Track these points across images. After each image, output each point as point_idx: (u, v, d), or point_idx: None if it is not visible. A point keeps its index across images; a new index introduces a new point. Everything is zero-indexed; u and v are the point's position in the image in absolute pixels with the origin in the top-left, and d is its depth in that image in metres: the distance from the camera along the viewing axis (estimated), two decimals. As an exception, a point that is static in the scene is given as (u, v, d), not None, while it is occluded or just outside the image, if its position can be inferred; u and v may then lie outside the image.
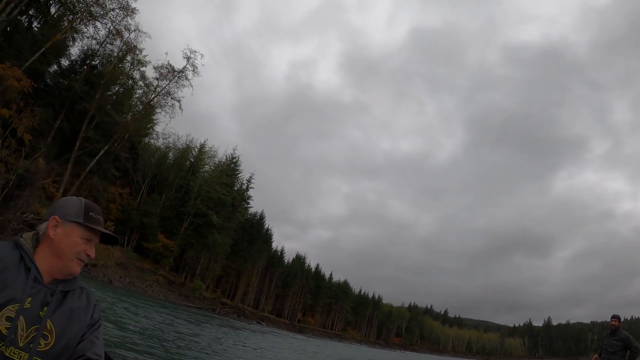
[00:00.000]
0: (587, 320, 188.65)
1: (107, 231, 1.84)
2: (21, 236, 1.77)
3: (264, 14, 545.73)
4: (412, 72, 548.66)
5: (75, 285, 1.83)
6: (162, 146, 58.64)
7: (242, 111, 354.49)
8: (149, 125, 49.75)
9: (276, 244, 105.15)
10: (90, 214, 1.81)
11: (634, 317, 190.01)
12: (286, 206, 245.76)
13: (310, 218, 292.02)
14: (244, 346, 15.31)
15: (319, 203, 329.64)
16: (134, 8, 37.49)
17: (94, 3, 35.27)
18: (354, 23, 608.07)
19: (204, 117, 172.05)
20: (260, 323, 68.36)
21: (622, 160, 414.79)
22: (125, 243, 46.57)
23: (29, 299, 1.63)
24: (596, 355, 8.60)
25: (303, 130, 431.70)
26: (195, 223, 56.17)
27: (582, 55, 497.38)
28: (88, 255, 1.81)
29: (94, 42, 38.74)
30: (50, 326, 1.65)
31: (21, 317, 1.59)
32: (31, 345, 1.59)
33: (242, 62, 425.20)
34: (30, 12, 32.95)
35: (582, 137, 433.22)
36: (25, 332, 1.59)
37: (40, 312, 1.64)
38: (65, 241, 1.74)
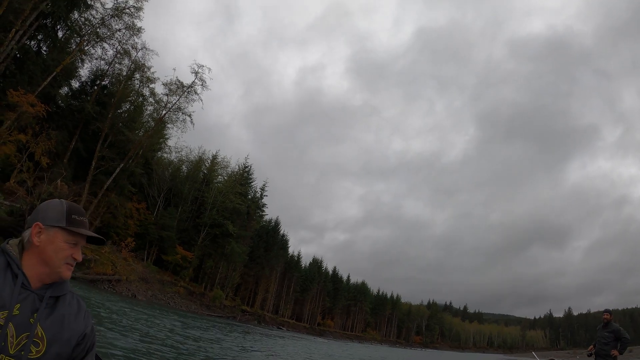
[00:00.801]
0: (609, 308, 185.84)
1: (91, 234, 1.82)
2: (7, 242, 1.76)
3: (268, 22, 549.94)
4: (420, 72, 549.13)
5: (65, 290, 1.80)
6: (175, 159, 59.25)
7: (253, 119, 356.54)
8: (161, 140, 50.26)
9: (292, 249, 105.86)
10: (73, 216, 1.78)
11: None
12: (302, 211, 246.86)
13: (326, 222, 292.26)
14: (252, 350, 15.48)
15: (334, 206, 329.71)
16: (140, 27, 38.21)
17: (101, 25, 36.02)
18: (360, 27, 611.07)
19: (215, 127, 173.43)
20: (280, 328, 68.57)
21: (634, 145, 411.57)
22: (145, 257, 47.18)
23: (18, 305, 1.62)
24: (591, 346, 8.97)
25: (315, 135, 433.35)
26: (212, 233, 56.67)
27: (588, 44, 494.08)
28: (75, 259, 1.77)
29: (102, 62, 39.48)
30: (41, 333, 1.64)
31: (10, 324, 1.58)
32: (22, 353, 1.58)
33: (249, 71, 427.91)
34: (39, 37, 33.62)
35: (592, 126, 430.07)
36: (16, 339, 1.58)
37: (30, 319, 1.63)
38: (50, 247, 1.72)
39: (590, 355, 9.08)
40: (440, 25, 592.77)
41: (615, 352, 8.20)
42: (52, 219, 1.75)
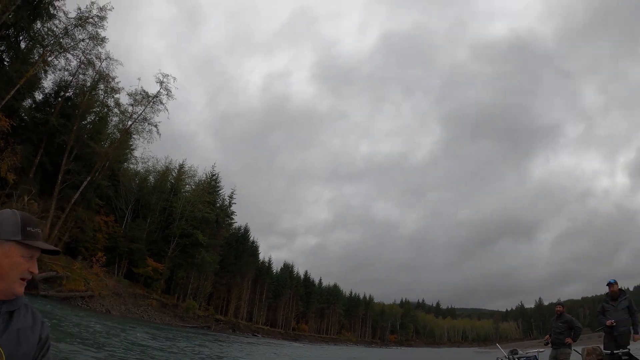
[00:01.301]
0: (578, 297, 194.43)
1: (48, 247, 1.81)
2: None
3: (233, 27, 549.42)
4: (386, 76, 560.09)
5: (20, 303, 1.75)
6: (142, 170, 59.03)
7: (220, 127, 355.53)
8: (127, 151, 50.19)
9: (263, 255, 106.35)
10: (28, 228, 1.75)
11: (623, 288, 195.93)
12: (271, 217, 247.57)
13: (297, 227, 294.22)
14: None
15: (304, 211, 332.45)
16: (104, 37, 38.17)
17: (64, 35, 36.00)
18: (325, 32, 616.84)
19: (182, 136, 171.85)
20: (255, 335, 69.02)
21: (596, 141, 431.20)
22: (116, 271, 47.09)
23: None
24: (547, 335, 10.00)
25: (283, 141, 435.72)
26: (181, 244, 56.77)
27: (550, 46, 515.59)
28: (31, 272, 1.76)
29: (66, 73, 39.10)
30: None
31: None
32: None
33: (215, 78, 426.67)
34: (1, 48, 33.39)
35: (555, 123, 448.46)
36: None
37: None
38: (5, 262, 1.68)
39: (547, 344, 10.06)
40: (405, 29, 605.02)
41: (569, 340, 9.25)
42: (7, 232, 1.72)
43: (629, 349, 7.57)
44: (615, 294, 8.52)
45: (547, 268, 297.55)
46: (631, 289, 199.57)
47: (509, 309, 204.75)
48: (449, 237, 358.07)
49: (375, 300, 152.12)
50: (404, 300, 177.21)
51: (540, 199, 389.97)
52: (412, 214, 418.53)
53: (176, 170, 63.80)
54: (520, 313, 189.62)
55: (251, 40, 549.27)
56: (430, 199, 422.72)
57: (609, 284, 8.67)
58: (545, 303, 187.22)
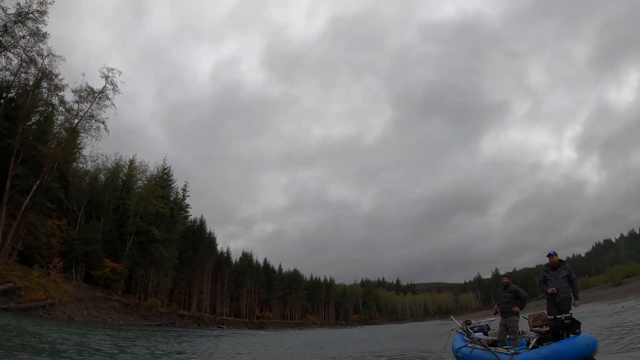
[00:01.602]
0: (532, 265, 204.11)
1: None
2: None
3: (179, 16, 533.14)
4: (336, 59, 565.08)
5: None
6: (92, 169, 57.25)
7: (171, 118, 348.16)
8: (75, 151, 48.90)
9: (221, 246, 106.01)
10: None
11: (575, 255, 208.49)
12: (228, 207, 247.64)
13: (253, 214, 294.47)
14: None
15: (260, 198, 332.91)
16: (45, 33, 36.79)
17: (3, 32, 34.67)
18: (274, 18, 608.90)
19: (131, 131, 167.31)
20: (220, 327, 69.38)
21: (542, 117, 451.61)
22: (74, 275, 46.16)
23: None
24: (496, 305, 11.09)
25: (235, 129, 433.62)
26: (138, 241, 56.08)
27: (497, 27, 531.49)
28: None
29: (7, 73, 37.66)
30: None
31: None
32: None
33: (163, 68, 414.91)
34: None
35: (503, 101, 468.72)
36: None
37: None
38: None
39: (495, 313, 11.08)
40: (354, 12, 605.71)
41: (516, 309, 10.23)
42: None
43: (571, 314, 8.39)
44: (555, 264, 9.33)
45: (501, 239, 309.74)
46: (583, 254, 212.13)
47: (467, 281, 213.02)
48: (405, 215, 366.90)
49: (336, 282, 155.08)
50: (364, 279, 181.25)
51: (491, 174, 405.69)
52: (367, 194, 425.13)
53: (127, 167, 62.61)
54: (478, 284, 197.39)
55: (199, 28, 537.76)
56: (384, 179, 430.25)
57: (549, 255, 9.52)
58: (502, 273, 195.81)
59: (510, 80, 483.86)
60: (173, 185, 69.13)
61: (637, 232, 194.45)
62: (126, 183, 60.52)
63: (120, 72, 45.67)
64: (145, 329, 39.02)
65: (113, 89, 45.16)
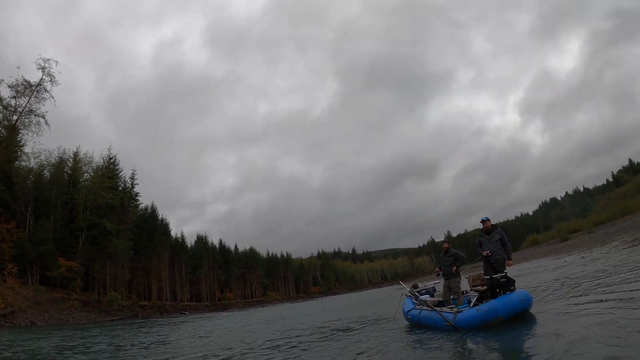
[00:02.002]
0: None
1: None
2: None
3: None
4: (280, 35, 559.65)
5: None
6: (35, 166, 55.41)
7: (114, 105, 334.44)
8: (16, 149, 47.36)
9: (175, 231, 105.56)
10: None
11: (523, 213, 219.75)
12: (179, 191, 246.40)
13: (205, 196, 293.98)
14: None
15: (210, 180, 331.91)
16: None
17: None
18: None
19: (74, 122, 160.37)
20: (183, 313, 69.67)
21: (486, 84, 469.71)
22: (30, 279, 45.21)
23: None
24: (437, 268, 12.36)
25: (181, 112, 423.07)
26: (90, 236, 55.29)
27: None
28: None
29: None
30: None
31: None
32: None
33: (102, 54, 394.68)
34: None
35: (448, 70, 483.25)
36: None
37: None
38: None
39: (438, 275, 12.37)
40: None
41: (455, 268, 11.54)
42: None
43: (506, 273, 9.56)
44: (488, 229, 10.42)
45: (452, 203, 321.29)
46: (530, 213, 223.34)
47: (421, 245, 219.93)
48: (356, 185, 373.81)
49: (293, 257, 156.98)
50: (320, 252, 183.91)
51: (438, 140, 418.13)
52: (318, 167, 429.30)
53: (71, 160, 60.89)
54: (431, 247, 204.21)
55: (137, 9, 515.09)
56: (334, 151, 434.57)
57: (483, 221, 10.65)
58: (454, 235, 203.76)
59: (454, 50, 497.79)
60: (120, 174, 68.21)
61: (581, 190, 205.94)
62: (72, 177, 58.93)
63: (57, 62, 44.63)
64: (108, 324, 38.97)
65: (51, 81, 44.22)
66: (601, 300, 8.30)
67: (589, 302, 8.41)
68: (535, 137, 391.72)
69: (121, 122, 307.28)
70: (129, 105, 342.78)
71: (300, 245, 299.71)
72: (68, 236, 53.99)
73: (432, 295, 12.78)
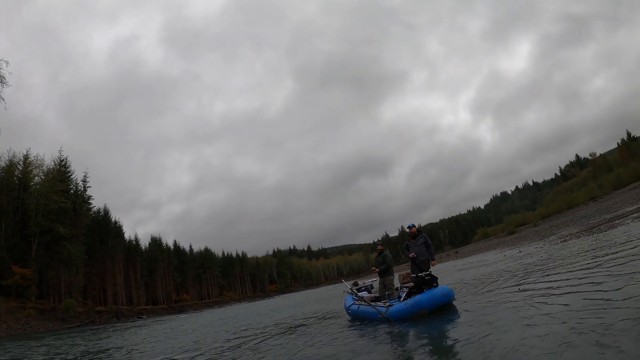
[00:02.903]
0: (436, 220, 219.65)
1: None
2: None
3: None
4: (237, 34, 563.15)
5: None
6: (-17, 170, 54.00)
7: (67, 105, 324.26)
8: (-37, 154, 45.91)
9: (129, 233, 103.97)
10: None
11: (475, 207, 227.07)
12: (133, 192, 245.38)
13: (160, 197, 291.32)
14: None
15: (165, 180, 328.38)
16: None
17: None
18: None
19: (25, 123, 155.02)
20: (140, 317, 68.86)
21: (439, 85, 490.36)
22: (-17, 289, 44.04)
23: None
24: (374, 268, 13.55)
25: (136, 111, 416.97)
26: (43, 242, 54.28)
27: (396, 1, 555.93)
28: None
29: None
30: None
31: None
32: None
33: (56, 51, 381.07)
34: None
35: (402, 71, 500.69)
36: None
37: None
38: None
39: (374, 269, 13.66)
40: None
41: (376, 270, 12.93)
42: None
43: (430, 271, 10.87)
44: (414, 234, 11.69)
45: (405, 198, 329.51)
46: (482, 207, 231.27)
47: (375, 240, 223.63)
48: (311, 183, 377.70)
49: (249, 255, 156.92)
50: (276, 250, 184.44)
51: (392, 138, 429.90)
52: (273, 165, 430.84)
53: (22, 163, 59.33)
54: (386, 242, 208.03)
55: (93, 5, 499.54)
56: (289, 149, 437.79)
57: (409, 227, 11.95)
58: (408, 230, 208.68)
59: (409, 51, 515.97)
60: (72, 177, 66.85)
61: (531, 184, 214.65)
62: (22, 181, 57.51)
63: (7, 63, 43.41)
64: (64, 332, 38.41)
65: (0, 82, 42.88)
66: (518, 291, 9.63)
67: (508, 294, 9.70)
68: (486, 134, 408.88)
69: (74, 122, 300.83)
70: (83, 104, 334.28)
71: (255, 243, 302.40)
72: (20, 242, 52.77)
73: (370, 292, 14.18)
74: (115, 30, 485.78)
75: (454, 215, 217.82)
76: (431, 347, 6.49)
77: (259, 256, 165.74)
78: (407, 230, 11.93)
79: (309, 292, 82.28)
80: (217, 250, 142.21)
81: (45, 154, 64.68)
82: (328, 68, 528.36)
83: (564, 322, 5.77)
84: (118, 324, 49.44)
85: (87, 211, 71.06)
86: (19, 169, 59.01)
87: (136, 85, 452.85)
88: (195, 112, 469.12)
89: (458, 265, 35.12)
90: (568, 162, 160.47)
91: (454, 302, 10.19)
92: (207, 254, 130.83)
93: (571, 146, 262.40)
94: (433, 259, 11.20)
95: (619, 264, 9.12)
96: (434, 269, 11.24)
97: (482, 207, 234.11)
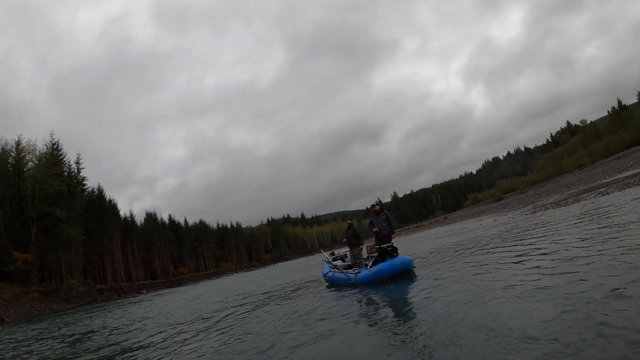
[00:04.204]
0: (428, 185, 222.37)
1: None
2: None
3: None
4: (225, 6, 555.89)
5: None
6: (-24, 160, 54.72)
7: (59, 87, 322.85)
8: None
9: (125, 210, 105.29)
10: None
11: (467, 172, 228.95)
12: (129, 168, 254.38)
13: (155, 172, 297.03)
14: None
15: (160, 154, 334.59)
16: None
17: None
18: None
19: (17, 108, 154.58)
20: (140, 292, 70.79)
21: (430, 52, 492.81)
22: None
23: None
24: (344, 240, 15.18)
25: (128, 88, 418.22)
26: (42, 226, 55.50)
27: None
28: None
29: None
30: None
31: None
32: None
33: (45, 32, 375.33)
34: None
35: (393, 39, 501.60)
36: None
37: None
38: None
39: (344, 241, 15.39)
40: None
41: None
42: None
43: (392, 243, 12.61)
44: (377, 211, 13.08)
45: (398, 164, 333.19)
46: (474, 172, 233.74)
47: (369, 206, 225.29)
48: (304, 150, 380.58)
49: (244, 226, 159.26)
50: (270, 219, 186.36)
51: (384, 105, 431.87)
52: (266, 134, 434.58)
53: (14, 150, 60.07)
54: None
55: None
56: (281, 119, 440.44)
57: (373, 206, 13.40)
58: (400, 195, 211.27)
59: (400, 20, 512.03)
60: (64, 159, 67.43)
61: (522, 150, 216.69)
62: (16, 167, 58.35)
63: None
64: (69, 312, 40.03)
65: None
66: (472, 262, 10.88)
67: (462, 262, 11.14)
68: (478, 100, 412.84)
69: (65, 103, 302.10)
70: (76, 85, 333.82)
71: (250, 213, 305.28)
72: (19, 229, 53.96)
73: (344, 261, 15.93)
74: (104, 8, 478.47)
75: (446, 180, 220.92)
76: (390, 308, 7.89)
77: (253, 226, 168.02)
78: (372, 207, 13.44)
79: (302, 260, 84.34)
80: (212, 222, 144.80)
81: (37, 139, 64.98)
82: (318, 37, 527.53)
83: (489, 281, 7.36)
84: (119, 300, 51.13)
85: (82, 192, 71.99)
86: (12, 155, 59.76)
87: (127, 64, 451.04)
88: (187, 86, 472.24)
89: (440, 233, 36.40)
90: (559, 129, 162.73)
91: (416, 270, 11.78)
92: (202, 226, 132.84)
93: (562, 113, 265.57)
94: (394, 233, 12.74)
95: (550, 242, 10.43)
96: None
97: (474, 172, 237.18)
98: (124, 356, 8.67)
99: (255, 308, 12.47)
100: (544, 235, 11.86)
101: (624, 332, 3.70)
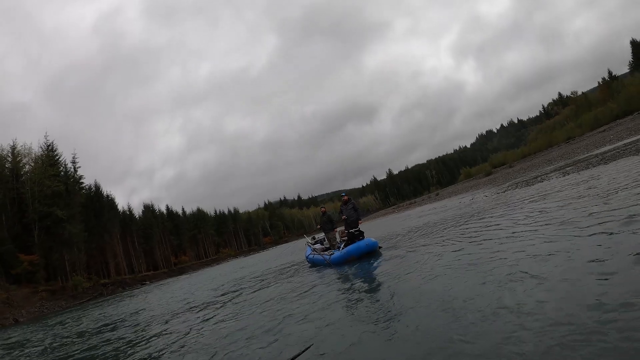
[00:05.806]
0: (423, 161, 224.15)
1: None
2: None
3: None
4: None
5: None
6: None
7: (54, 87, 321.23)
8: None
9: (123, 204, 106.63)
10: None
11: (461, 147, 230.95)
12: (127, 162, 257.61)
13: (153, 163, 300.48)
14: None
15: (157, 146, 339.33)
16: None
17: None
18: None
19: (11, 112, 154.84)
20: (144, 284, 72.41)
21: (421, 32, 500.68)
22: (-3, 280, 47.23)
23: None
24: (318, 226, 17.99)
25: (123, 83, 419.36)
26: (44, 226, 57.07)
27: None
28: None
29: None
30: None
31: None
32: None
33: (35, 32, 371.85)
34: None
35: (385, 20, 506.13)
36: None
37: None
38: None
39: (318, 227, 18.12)
40: None
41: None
42: None
43: (359, 228, 14.58)
44: (345, 201, 15.15)
45: (392, 142, 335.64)
46: (468, 146, 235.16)
47: (364, 185, 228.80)
48: (299, 132, 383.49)
49: (241, 211, 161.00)
50: (266, 202, 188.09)
51: (376, 84, 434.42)
52: (261, 119, 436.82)
53: (10, 155, 61.38)
54: (375, 186, 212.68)
55: None
56: (276, 102, 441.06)
57: (342, 196, 15.62)
58: (395, 172, 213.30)
59: (390, 2, 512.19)
60: (60, 159, 68.72)
61: (515, 122, 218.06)
62: (14, 171, 59.72)
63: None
64: (78, 308, 41.75)
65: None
66: (429, 243, 12.81)
67: (426, 245, 12.62)
68: (469, 75, 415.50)
69: (65, 103, 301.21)
70: (71, 84, 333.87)
71: (247, 198, 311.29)
72: (22, 231, 55.54)
73: (322, 244, 17.92)
74: (95, 5, 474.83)
75: (441, 155, 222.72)
76: (356, 281, 9.93)
77: (250, 210, 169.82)
78: (341, 197, 15.76)
79: (299, 242, 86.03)
80: (209, 209, 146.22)
81: (32, 142, 66.39)
82: (309, 20, 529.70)
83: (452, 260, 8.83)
84: (125, 293, 52.85)
85: (80, 190, 73.44)
86: (8, 160, 61.15)
87: (120, 58, 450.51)
88: (182, 77, 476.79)
89: (425, 211, 37.48)
90: (551, 100, 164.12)
91: (381, 250, 13.90)
92: (200, 214, 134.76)
93: (554, 85, 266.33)
94: (360, 219, 14.88)
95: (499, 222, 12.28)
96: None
97: (469, 146, 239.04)
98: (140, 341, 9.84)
99: (253, 291, 14.35)
100: (501, 215, 13.60)
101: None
